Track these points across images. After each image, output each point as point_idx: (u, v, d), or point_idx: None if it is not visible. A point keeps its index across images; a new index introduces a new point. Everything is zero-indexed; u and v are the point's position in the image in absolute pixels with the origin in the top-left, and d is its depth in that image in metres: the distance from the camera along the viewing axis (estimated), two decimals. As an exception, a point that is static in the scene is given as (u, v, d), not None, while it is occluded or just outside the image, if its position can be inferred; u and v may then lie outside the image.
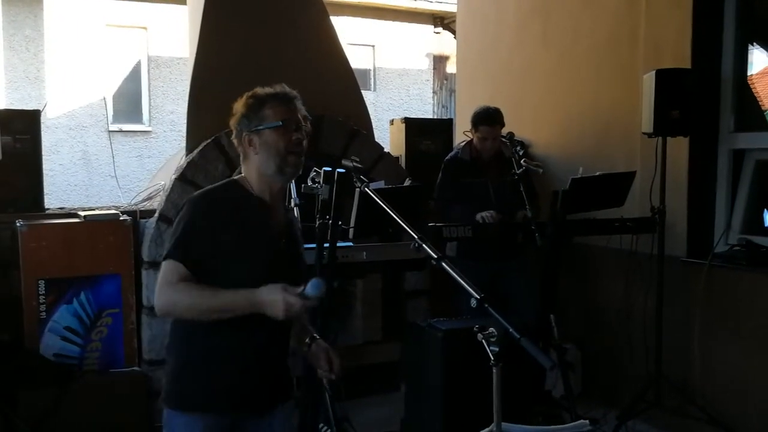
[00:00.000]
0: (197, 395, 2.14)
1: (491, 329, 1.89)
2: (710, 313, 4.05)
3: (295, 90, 2.31)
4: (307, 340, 2.25)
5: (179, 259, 2.04)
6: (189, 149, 4.57)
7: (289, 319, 2.10)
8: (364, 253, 3.22)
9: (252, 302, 1.98)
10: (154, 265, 4.08)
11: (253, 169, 2.19)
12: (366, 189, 2.41)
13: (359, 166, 2.60)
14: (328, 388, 2.68)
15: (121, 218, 4.16)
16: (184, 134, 4.68)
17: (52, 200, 6.24)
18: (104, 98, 10.16)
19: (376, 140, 5.17)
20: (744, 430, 3.85)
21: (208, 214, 2.10)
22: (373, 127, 5.36)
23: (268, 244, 2.14)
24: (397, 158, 5.44)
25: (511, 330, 1.82)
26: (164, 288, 2.04)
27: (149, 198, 4.64)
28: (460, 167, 4.44)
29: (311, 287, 1.95)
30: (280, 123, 2.15)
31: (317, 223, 2.78)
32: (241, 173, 2.24)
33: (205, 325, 2.09)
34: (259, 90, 2.24)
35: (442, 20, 13.08)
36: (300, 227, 2.42)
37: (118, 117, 10.74)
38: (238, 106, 2.22)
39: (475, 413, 2.50)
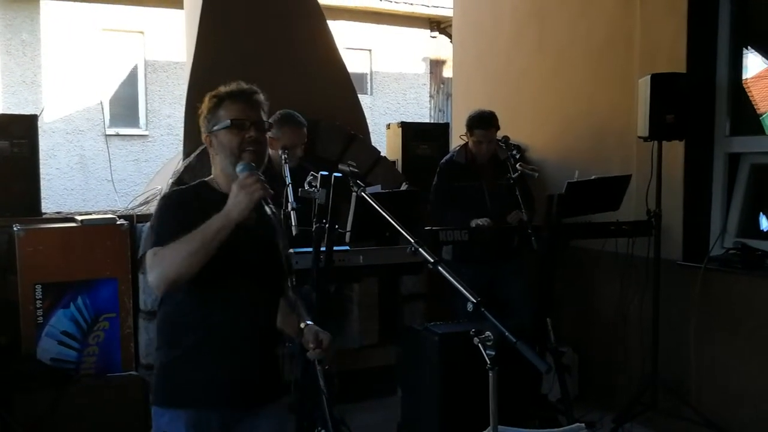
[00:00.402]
0: (180, 391, 2.14)
1: (487, 333, 1.90)
2: (706, 316, 4.06)
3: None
4: (301, 325, 2.24)
5: (156, 244, 2.06)
6: (186, 153, 4.58)
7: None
8: (361, 256, 3.22)
9: (223, 214, 1.99)
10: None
11: (218, 168, 2.22)
12: (362, 193, 2.42)
13: (355, 170, 2.61)
14: (325, 390, 2.68)
15: (117, 222, 4.16)
16: (181, 138, 4.69)
17: (49, 204, 6.25)
18: (101, 102, 10.16)
19: (373, 144, 5.19)
20: (740, 433, 3.87)
21: (178, 211, 2.12)
22: (370, 131, 5.37)
23: (239, 237, 2.06)
24: (394, 162, 5.45)
25: (507, 334, 1.82)
26: (152, 264, 2.04)
27: (146, 202, 4.64)
28: (456, 170, 4.44)
29: (240, 168, 2.07)
30: (229, 123, 2.15)
31: (314, 227, 2.78)
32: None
33: (190, 322, 2.12)
34: (221, 89, 2.24)
35: (438, 24, 13.12)
36: (279, 220, 2.40)
37: (115, 121, 10.74)
38: (203, 107, 2.24)
39: (471, 417, 2.51)
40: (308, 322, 2.25)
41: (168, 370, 2.18)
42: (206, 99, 2.24)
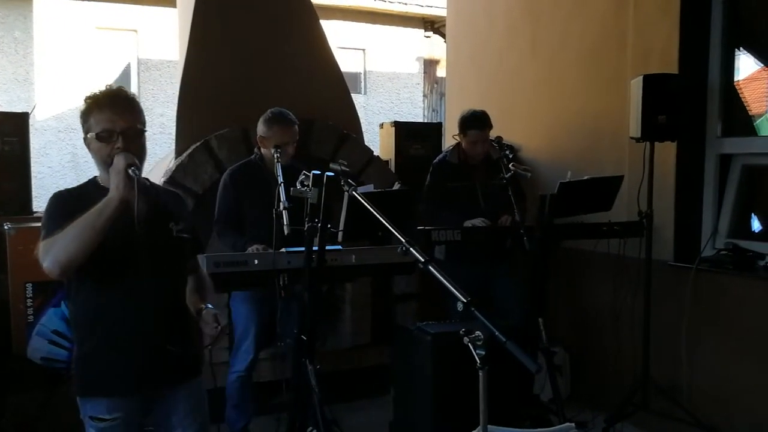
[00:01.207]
0: (95, 382, 2.27)
1: (477, 332, 1.90)
2: (697, 316, 4.08)
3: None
4: (201, 306, 2.42)
5: (47, 236, 2.16)
6: (178, 152, 4.57)
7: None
8: (353, 256, 3.21)
9: (107, 200, 2.12)
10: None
11: (99, 170, 2.33)
12: (354, 193, 2.42)
13: (347, 169, 2.61)
14: (317, 390, 2.68)
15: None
16: (174, 137, 4.68)
17: (41, 203, 6.20)
18: (93, 101, 10.12)
19: (367, 144, 5.18)
20: (730, 433, 3.88)
21: (65, 207, 2.22)
22: (364, 130, 5.37)
23: (130, 229, 2.18)
24: (387, 162, 5.44)
25: (497, 333, 1.82)
26: (44, 252, 2.13)
27: (138, 201, 4.62)
28: (449, 170, 4.44)
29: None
30: (94, 135, 2.24)
31: (306, 226, 2.78)
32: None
33: (95, 317, 2.26)
34: (94, 92, 2.31)
35: (432, 24, 13.13)
36: (181, 201, 2.61)
37: (107, 120, 10.70)
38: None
39: (463, 416, 2.51)
40: (208, 306, 2.44)
41: (82, 364, 2.31)
42: (82, 101, 2.31)
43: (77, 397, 2.31)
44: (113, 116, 2.23)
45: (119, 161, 2.14)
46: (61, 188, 2.43)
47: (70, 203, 2.24)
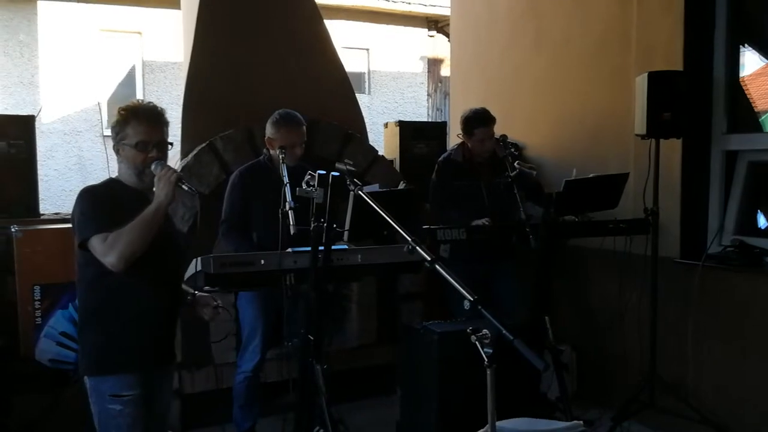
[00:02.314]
0: (121, 357, 2.51)
1: (485, 331, 1.90)
2: (704, 313, 4.07)
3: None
4: (188, 297, 2.74)
5: (98, 231, 2.39)
6: (183, 153, 4.58)
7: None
8: (359, 256, 3.21)
9: (156, 202, 2.43)
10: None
11: (124, 172, 2.59)
12: (359, 192, 2.42)
13: (352, 169, 2.62)
14: (323, 390, 2.69)
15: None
16: (179, 138, 4.69)
17: (47, 205, 6.24)
18: (98, 103, 10.15)
19: (371, 143, 5.18)
20: (737, 430, 3.87)
21: (105, 202, 2.49)
22: (369, 130, 5.37)
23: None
24: (392, 161, 5.45)
25: (504, 332, 1.83)
26: (108, 246, 2.37)
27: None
28: (453, 168, 4.44)
29: (153, 166, 2.51)
30: (134, 143, 2.52)
31: (312, 226, 2.79)
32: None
33: (123, 303, 2.51)
34: (131, 104, 2.60)
35: (436, 23, 13.12)
36: (192, 206, 3.08)
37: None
38: (116, 116, 2.58)
39: (470, 415, 2.51)
40: (196, 293, 2.76)
41: (105, 343, 2.53)
42: (117, 111, 2.57)
43: (92, 377, 2.53)
44: (149, 129, 2.53)
45: (169, 173, 2.45)
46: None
47: (104, 198, 2.51)
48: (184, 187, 2.48)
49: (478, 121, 4.33)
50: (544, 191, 4.30)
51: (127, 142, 2.52)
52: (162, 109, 2.62)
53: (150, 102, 2.64)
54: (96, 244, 2.39)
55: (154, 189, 2.49)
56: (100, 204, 2.47)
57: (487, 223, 4.13)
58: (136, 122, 2.52)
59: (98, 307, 2.56)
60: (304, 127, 3.79)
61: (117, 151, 2.58)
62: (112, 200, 2.50)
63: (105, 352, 2.53)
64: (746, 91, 4.36)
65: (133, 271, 2.43)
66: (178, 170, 2.52)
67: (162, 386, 2.70)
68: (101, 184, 2.62)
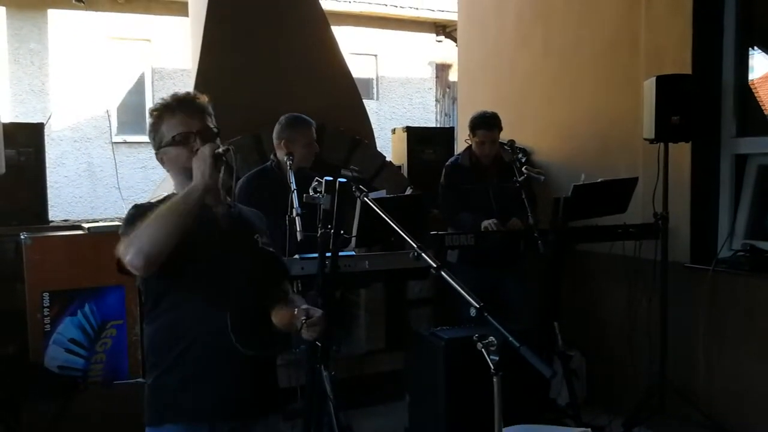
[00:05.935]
0: (166, 407, 2.11)
1: (491, 338, 1.89)
2: (715, 318, 4.04)
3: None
4: (299, 308, 2.10)
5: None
6: (192, 160, 4.59)
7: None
8: (367, 262, 3.22)
9: (191, 186, 1.96)
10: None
11: (177, 184, 2.15)
12: (365, 198, 2.41)
13: (358, 175, 2.61)
14: (331, 396, 2.68)
15: (124, 230, 4.16)
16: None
17: (57, 212, 6.27)
18: (107, 110, 10.21)
19: (379, 149, 5.19)
20: (750, 436, 3.84)
21: (140, 215, 2.01)
22: (377, 136, 5.38)
23: (213, 237, 2.08)
24: (399, 167, 5.44)
25: (510, 339, 1.81)
26: (124, 246, 1.92)
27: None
28: (461, 173, 4.44)
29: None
30: (171, 139, 2.08)
31: (319, 232, 2.78)
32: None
33: (173, 339, 2.06)
34: (160, 101, 2.14)
35: (444, 29, 13.12)
36: (256, 215, 2.39)
37: (122, 129, 10.77)
38: (149, 119, 2.16)
39: (478, 422, 2.50)
40: (303, 307, 2.12)
41: (157, 389, 2.14)
42: (149, 113, 2.16)
43: (147, 426, 2.16)
44: (186, 118, 2.08)
45: (204, 149, 1.98)
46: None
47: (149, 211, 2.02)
48: (220, 150, 1.99)
49: (480, 123, 4.36)
50: (536, 200, 4.28)
51: (165, 141, 2.09)
52: (198, 94, 2.18)
53: (185, 91, 2.20)
54: (121, 247, 1.94)
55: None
56: (142, 217, 1.96)
57: (495, 223, 4.12)
58: (169, 116, 2.08)
59: (152, 344, 2.16)
60: (313, 128, 3.82)
61: (161, 162, 2.14)
62: None
63: (155, 400, 2.16)
64: (756, 94, 4.34)
65: (187, 289, 2.03)
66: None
67: None
68: (153, 203, 2.09)
